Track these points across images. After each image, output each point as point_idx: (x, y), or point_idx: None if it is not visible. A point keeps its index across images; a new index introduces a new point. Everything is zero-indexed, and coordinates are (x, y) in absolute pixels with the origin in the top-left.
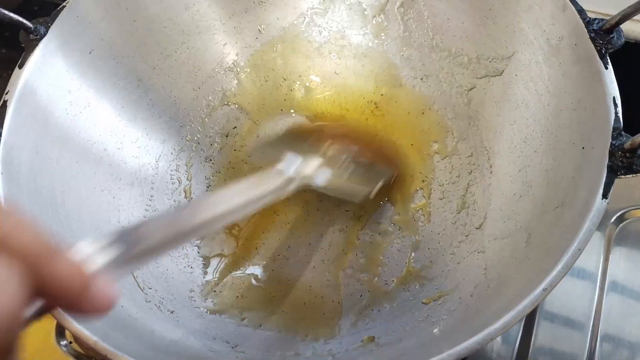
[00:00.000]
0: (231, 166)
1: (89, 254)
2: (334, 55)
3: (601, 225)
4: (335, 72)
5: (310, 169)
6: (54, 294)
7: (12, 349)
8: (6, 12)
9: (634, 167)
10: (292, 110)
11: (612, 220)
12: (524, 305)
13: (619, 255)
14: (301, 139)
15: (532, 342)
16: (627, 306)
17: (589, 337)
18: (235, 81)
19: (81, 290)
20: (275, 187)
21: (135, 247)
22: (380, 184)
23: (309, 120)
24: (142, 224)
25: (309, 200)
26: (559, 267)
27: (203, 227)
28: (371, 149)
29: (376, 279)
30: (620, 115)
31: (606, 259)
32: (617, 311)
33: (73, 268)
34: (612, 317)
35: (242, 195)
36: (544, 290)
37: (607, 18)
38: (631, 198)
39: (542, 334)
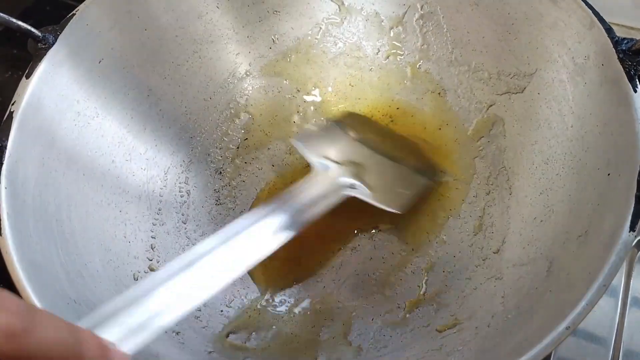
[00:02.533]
0: (242, 179)
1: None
2: (349, 67)
3: None
4: (350, 84)
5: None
6: None
7: None
8: (14, 20)
9: None
10: (304, 122)
11: (634, 243)
12: (544, 345)
13: None
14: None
15: (552, 357)
16: None
17: (610, 352)
18: (248, 92)
19: None
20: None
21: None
22: (416, 192)
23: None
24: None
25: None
26: (583, 304)
27: None
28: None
29: (388, 301)
30: None
31: (628, 275)
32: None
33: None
34: (634, 332)
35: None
36: (566, 328)
37: (637, 37)
38: None
39: (563, 349)
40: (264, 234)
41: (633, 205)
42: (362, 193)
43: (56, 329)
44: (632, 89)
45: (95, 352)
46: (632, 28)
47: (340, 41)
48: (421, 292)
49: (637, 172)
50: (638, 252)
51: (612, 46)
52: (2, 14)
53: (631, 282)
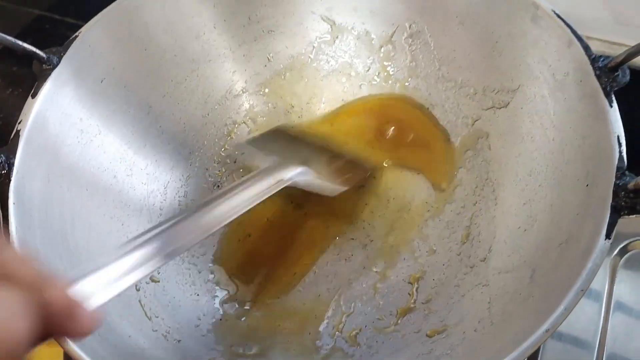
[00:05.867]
0: None
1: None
2: (342, 84)
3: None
4: (342, 100)
5: (291, 173)
6: (49, 320)
7: None
8: (20, 42)
9: (638, 207)
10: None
11: (616, 252)
12: (525, 347)
13: (625, 278)
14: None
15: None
16: (632, 326)
17: (594, 356)
18: (244, 108)
19: (69, 314)
20: (266, 188)
21: (166, 248)
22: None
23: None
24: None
25: (314, 226)
26: (561, 308)
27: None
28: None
29: (380, 309)
30: (624, 154)
31: (612, 281)
32: (622, 331)
33: (64, 294)
34: (617, 336)
35: (243, 195)
36: (546, 331)
37: (613, 55)
38: (636, 230)
39: (549, 353)
40: None
41: (609, 215)
42: (307, 178)
43: (22, 262)
44: (608, 104)
45: (61, 300)
46: (614, 43)
47: (333, 59)
48: (412, 300)
49: (613, 182)
50: (621, 259)
51: (589, 63)
52: (8, 37)
53: (614, 288)
